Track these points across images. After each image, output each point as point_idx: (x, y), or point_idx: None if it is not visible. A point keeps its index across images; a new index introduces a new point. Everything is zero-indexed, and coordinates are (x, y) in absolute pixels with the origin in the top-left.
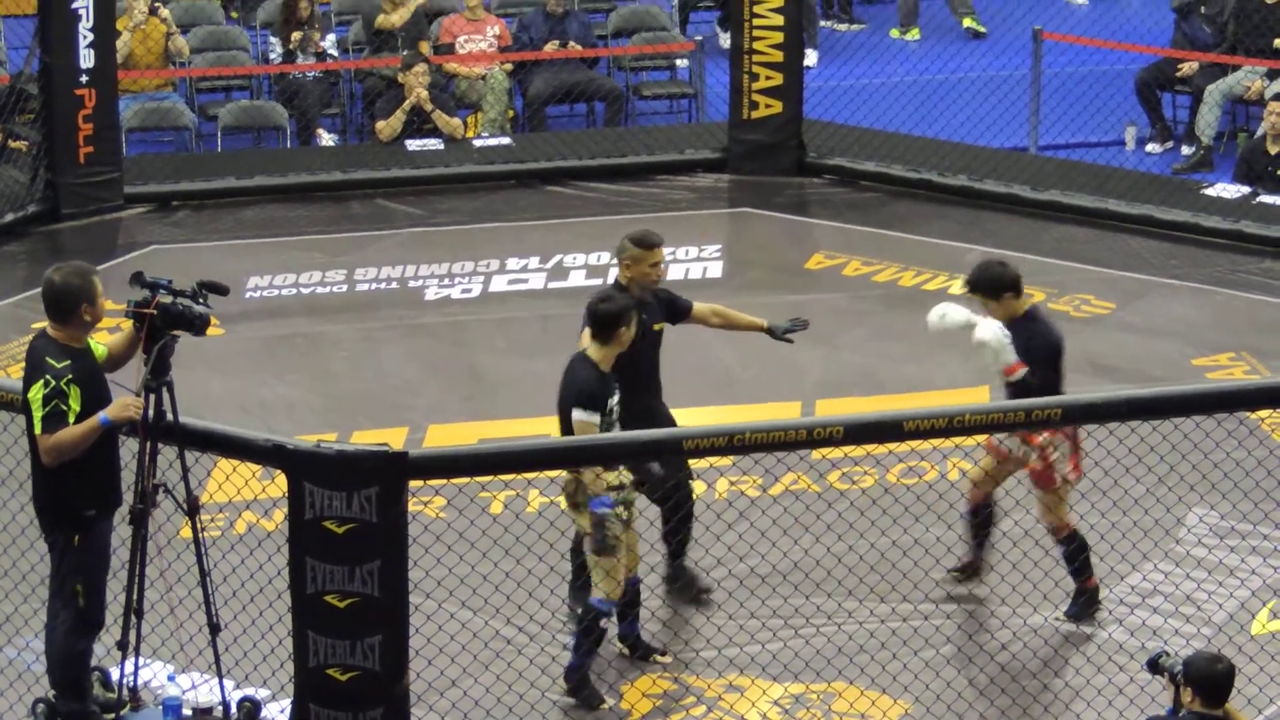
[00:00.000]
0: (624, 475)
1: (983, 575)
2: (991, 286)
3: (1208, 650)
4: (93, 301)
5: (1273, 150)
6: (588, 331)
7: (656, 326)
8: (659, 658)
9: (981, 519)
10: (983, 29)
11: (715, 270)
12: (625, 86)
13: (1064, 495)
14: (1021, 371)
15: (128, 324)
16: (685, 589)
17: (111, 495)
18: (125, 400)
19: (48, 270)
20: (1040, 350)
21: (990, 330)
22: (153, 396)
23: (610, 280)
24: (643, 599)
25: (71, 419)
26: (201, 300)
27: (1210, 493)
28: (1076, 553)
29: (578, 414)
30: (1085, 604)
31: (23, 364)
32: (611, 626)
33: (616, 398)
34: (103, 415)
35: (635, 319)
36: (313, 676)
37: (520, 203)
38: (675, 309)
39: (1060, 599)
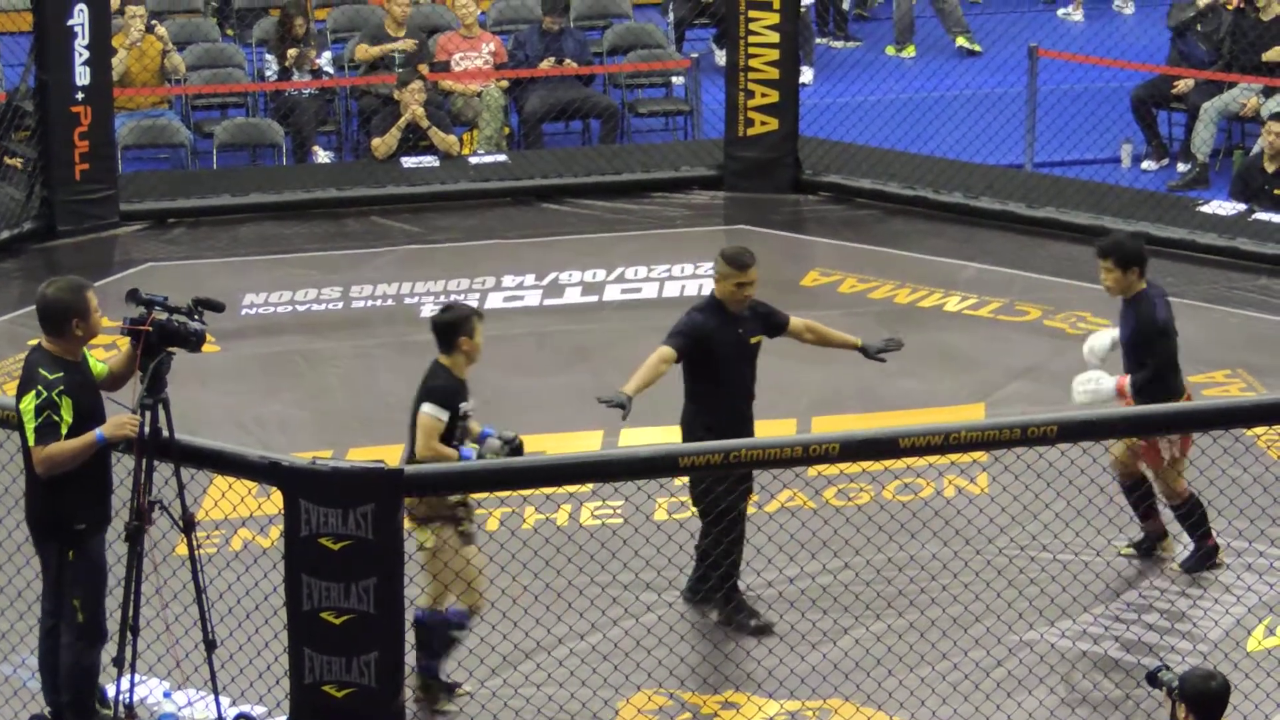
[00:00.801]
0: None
1: (1166, 540)
2: (1128, 255)
3: (1203, 667)
4: (84, 316)
5: (1270, 168)
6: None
7: (754, 340)
8: (460, 691)
9: (1140, 493)
10: (977, 47)
11: (710, 287)
12: (621, 103)
13: (1177, 469)
14: (1127, 382)
15: (124, 341)
16: (739, 617)
17: (103, 510)
18: (121, 418)
19: (42, 285)
20: (1149, 331)
21: (1082, 388)
22: (148, 413)
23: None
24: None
25: (64, 430)
26: (197, 317)
27: (1206, 509)
28: (1188, 516)
29: (426, 409)
30: (1202, 558)
31: (18, 379)
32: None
33: (471, 403)
34: (99, 432)
35: (477, 329)
36: (308, 693)
37: (516, 220)
38: (772, 323)
39: (1057, 614)
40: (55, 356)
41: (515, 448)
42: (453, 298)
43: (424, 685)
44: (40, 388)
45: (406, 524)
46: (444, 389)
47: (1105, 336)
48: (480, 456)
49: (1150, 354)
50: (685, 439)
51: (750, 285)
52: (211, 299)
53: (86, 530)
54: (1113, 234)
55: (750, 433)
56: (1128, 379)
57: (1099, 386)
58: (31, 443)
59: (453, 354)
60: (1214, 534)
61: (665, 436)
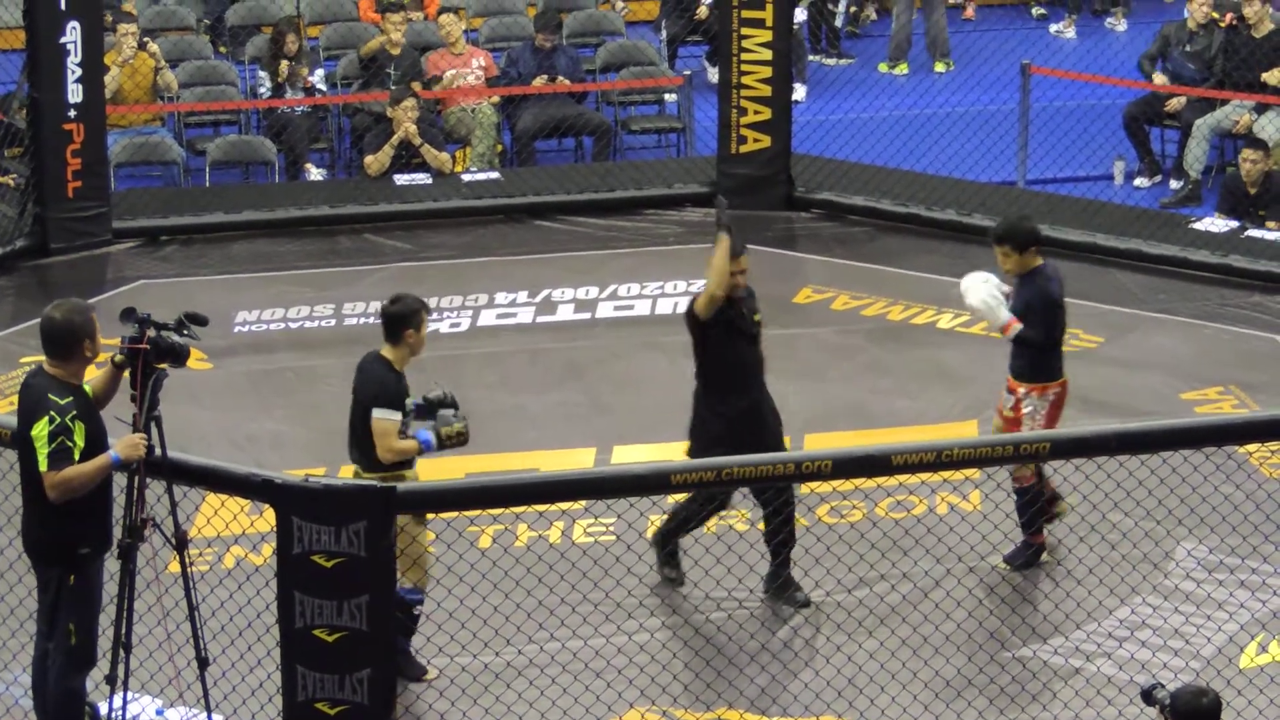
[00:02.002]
0: (413, 475)
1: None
2: (1021, 237)
3: (1196, 684)
4: (93, 338)
5: (1251, 191)
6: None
7: (756, 316)
8: (426, 677)
9: (1029, 496)
10: (950, 65)
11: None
12: (614, 121)
13: None
14: (1016, 328)
15: (103, 358)
16: (784, 594)
17: (106, 533)
18: (133, 438)
19: (46, 308)
20: (1039, 305)
21: (977, 296)
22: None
23: None
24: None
25: (76, 455)
26: (186, 332)
27: (1199, 527)
28: (1028, 506)
29: (379, 414)
30: (1031, 555)
31: (11, 398)
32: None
33: (410, 399)
34: (114, 454)
35: (424, 323)
36: (301, 711)
37: (509, 237)
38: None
39: (1049, 632)
40: (62, 381)
41: (452, 401)
42: (445, 315)
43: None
44: (53, 413)
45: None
46: (391, 391)
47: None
48: (440, 435)
49: (1040, 324)
50: (701, 428)
51: (742, 273)
52: (197, 313)
53: (89, 554)
54: (1003, 219)
55: (772, 420)
56: (1016, 326)
57: (997, 307)
58: (44, 469)
59: (397, 346)
60: (1045, 533)
61: (658, 454)
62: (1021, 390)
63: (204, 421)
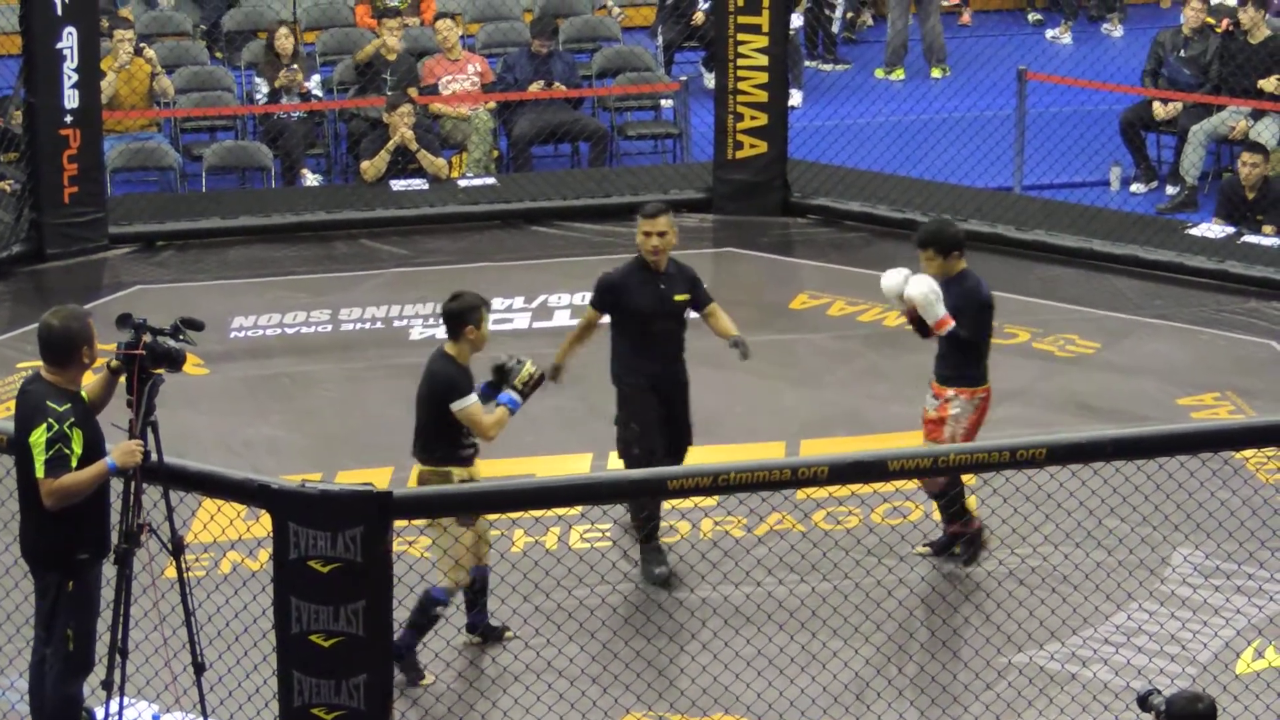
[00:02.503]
0: (470, 471)
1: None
2: (945, 242)
3: (1191, 689)
4: (91, 344)
5: (1250, 196)
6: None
7: (678, 297)
8: (507, 634)
9: (950, 497)
10: (946, 70)
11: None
12: (610, 126)
13: None
14: (950, 325)
15: (100, 363)
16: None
17: (104, 539)
18: (129, 445)
19: (44, 315)
20: (969, 305)
21: (919, 287)
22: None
23: None
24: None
25: (74, 463)
26: (182, 337)
27: (1195, 532)
28: (950, 504)
29: (458, 406)
30: (976, 547)
31: (7, 404)
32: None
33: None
34: (110, 461)
35: (484, 318)
36: (298, 716)
37: (505, 243)
38: (697, 294)
39: (1045, 637)
40: (60, 388)
41: (508, 359)
42: (442, 321)
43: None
44: (51, 420)
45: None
46: (461, 383)
47: (897, 280)
48: (518, 389)
49: (970, 325)
50: (619, 394)
51: (656, 235)
52: (193, 318)
53: (87, 560)
54: (926, 224)
55: (680, 391)
56: (951, 324)
57: (936, 302)
58: (41, 475)
59: (459, 342)
60: (974, 521)
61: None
62: (950, 393)
63: (200, 427)
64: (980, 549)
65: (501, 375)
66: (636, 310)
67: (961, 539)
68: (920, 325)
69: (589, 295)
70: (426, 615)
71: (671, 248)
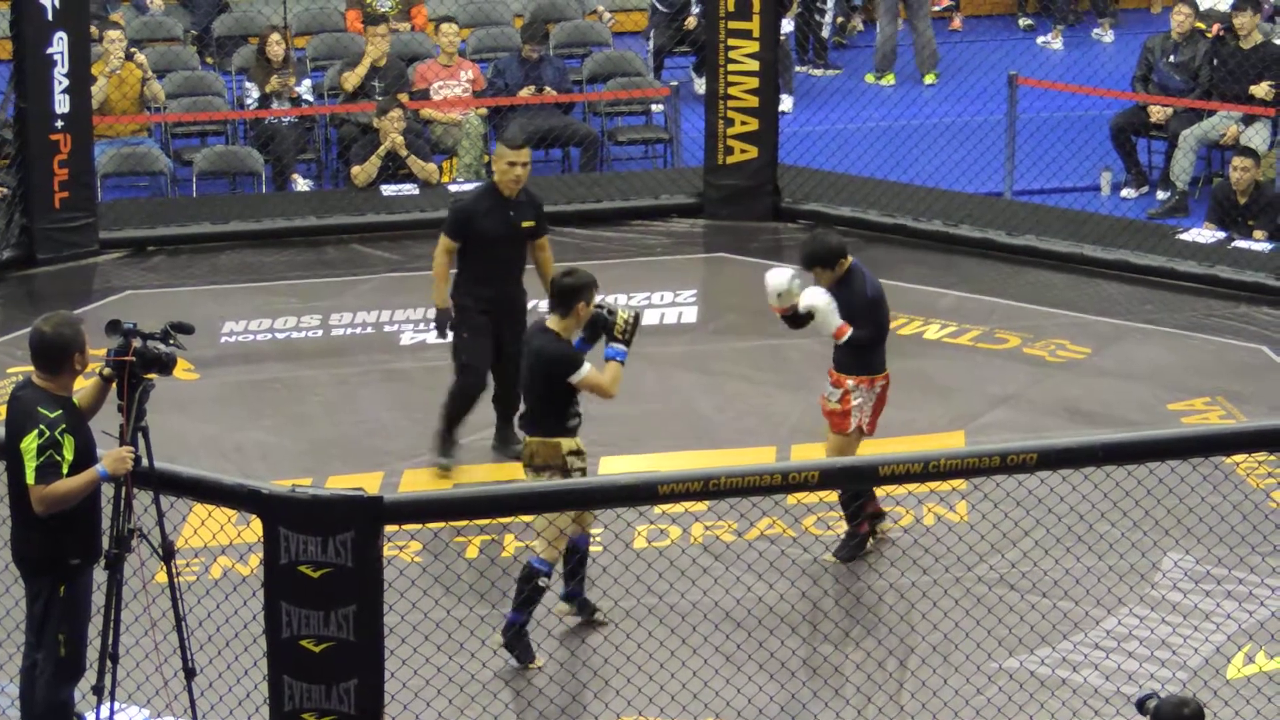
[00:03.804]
0: (577, 442)
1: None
2: (830, 257)
3: (1180, 694)
4: (82, 351)
5: (1241, 200)
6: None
7: (525, 223)
8: (598, 616)
9: (855, 497)
10: (935, 76)
11: (690, 315)
12: (600, 132)
13: (854, 443)
14: (849, 333)
15: (91, 368)
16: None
17: (95, 544)
18: (119, 452)
19: (36, 322)
20: (860, 305)
21: (819, 297)
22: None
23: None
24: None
25: (65, 469)
26: (172, 341)
27: (1186, 537)
28: (852, 499)
29: (577, 376)
30: (855, 546)
31: (6, 415)
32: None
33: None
34: (101, 468)
35: (594, 296)
36: None
37: None
38: (540, 221)
39: (1036, 642)
40: (52, 394)
41: (610, 312)
42: (432, 326)
43: (505, 630)
44: (43, 426)
45: (524, 472)
46: (573, 353)
47: (784, 279)
48: (619, 337)
49: (867, 323)
50: (456, 310)
51: (520, 165)
52: (183, 322)
53: (80, 565)
54: (805, 242)
55: (518, 314)
56: (849, 331)
57: (833, 313)
58: (32, 482)
59: (567, 317)
60: (866, 522)
61: (646, 465)
62: (850, 382)
63: (191, 432)
64: (860, 549)
65: (596, 328)
66: (485, 234)
67: (855, 537)
68: (793, 321)
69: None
70: (530, 588)
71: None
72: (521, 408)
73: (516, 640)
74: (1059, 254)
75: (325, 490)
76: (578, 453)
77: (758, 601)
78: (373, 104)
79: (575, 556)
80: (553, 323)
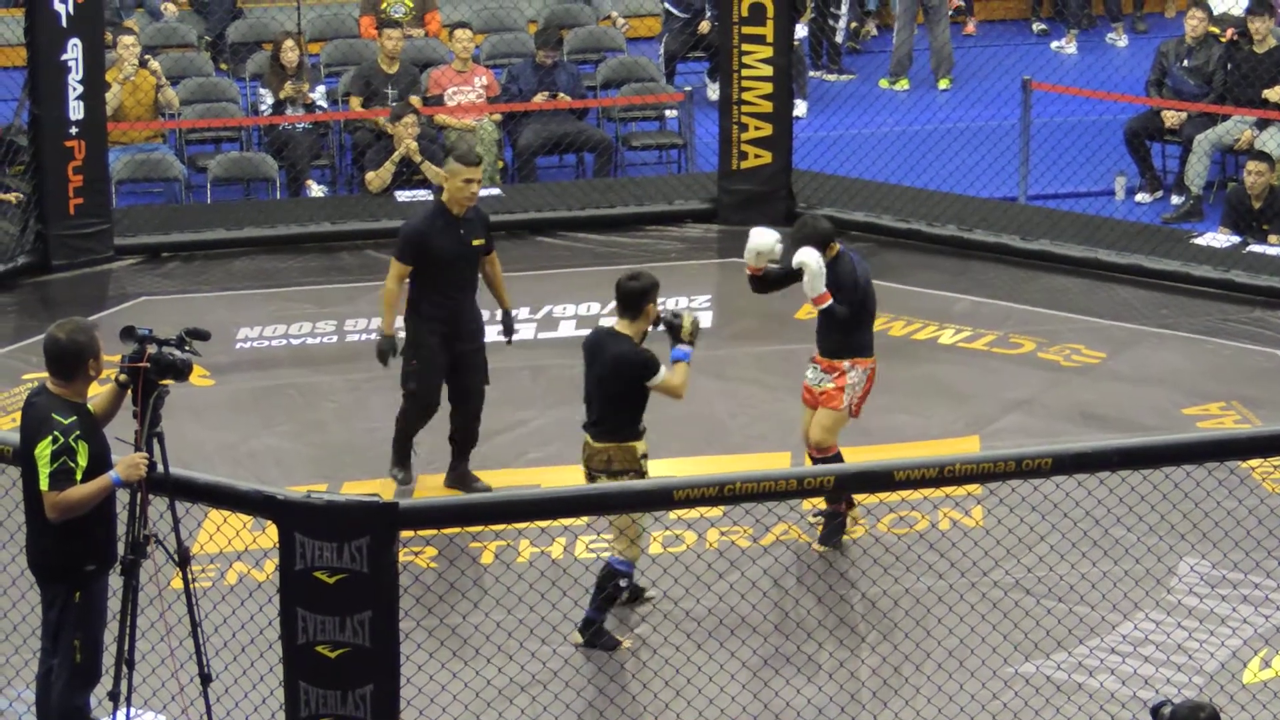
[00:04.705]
0: (646, 444)
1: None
2: (821, 240)
3: (1195, 699)
4: (97, 357)
5: (1256, 205)
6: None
7: (476, 241)
8: (648, 594)
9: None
10: (949, 81)
11: (705, 320)
12: (614, 137)
13: (842, 421)
14: (829, 301)
15: (107, 374)
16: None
17: (111, 550)
18: (133, 458)
19: (50, 328)
20: (847, 282)
21: (811, 256)
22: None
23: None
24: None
25: (79, 476)
26: (187, 347)
27: (1201, 542)
28: None
29: (655, 380)
30: (836, 529)
31: (13, 415)
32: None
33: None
34: (114, 475)
35: (658, 295)
36: None
37: (510, 253)
38: (488, 242)
39: (1052, 647)
40: (66, 400)
41: (676, 316)
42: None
43: (584, 628)
44: (57, 433)
45: (600, 476)
46: (648, 356)
47: (770, 240)
48: (685, 339)
49: (861, 300)
50: (409, 334)
51: (476, 183)
52: (199, 329)
53: (95, 571)
54: (796, 227)
55: (474, 333)
56: (830, 300)
57: (820, 279)
58: (45, 488)
59: (636, 320)
60: (844, 503)
61: (660, 470)
62: (845, 363)
63: (206, 438)
64: (841, 531)
65: (668, 330)
66: (440, 255)
67: (835, 518)
68: (761, 283)
69: (594, 306)
70: (611, 587)
71: None
72: (588, 415)
73: (596, 638)
74: (1073, 259)
75: (340, 496)
76: (646, 455)
77: (773, 607)
78: (387, 110)
79: (615, 586)
80: (622, 326)
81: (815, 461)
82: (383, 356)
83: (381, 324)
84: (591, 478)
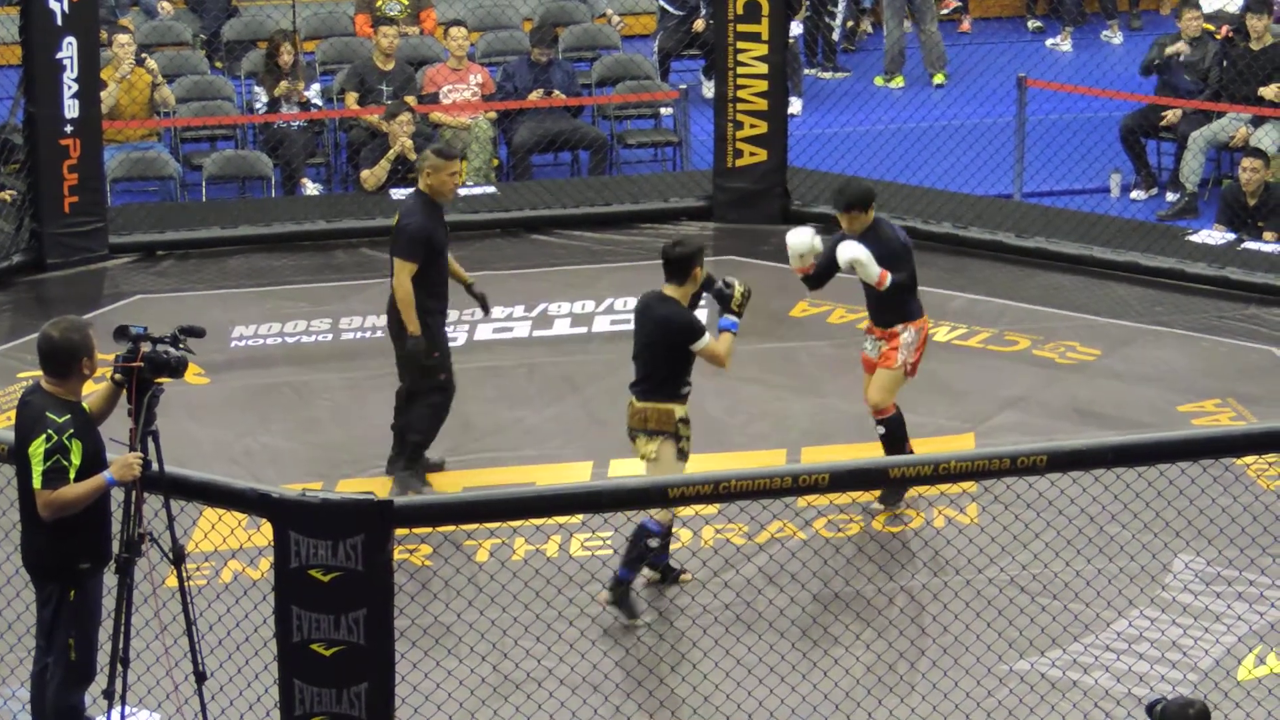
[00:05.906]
0: (686, 410)
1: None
2: (867, 199)
3: (1186, 696)
4: (91, 355)
5: (1251, 202)
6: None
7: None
8: (684, 577)
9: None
10: (944, 76)
11: (700, 316)
12: (610, 135)
13: (899, 381)
14: (889, 279)
15: (102, 373)
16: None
17: (105, 548)
18: (127, 458)
19: (45, 326)
20: (895, 248)
21: (857, 250)
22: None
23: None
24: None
25: (72, 474)
26: (182, 345)
27: (1196, 539)
28: (889, 438)
29: (699, 344)
30: (895, 491)
31: (8, 413)
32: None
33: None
34: (108, 475)
35: (703, 258)
36: None
37: (505, 251)
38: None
39: (1047, 644)
40: (60, 398)
41: (727, 285)
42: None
43: (614, 587)
44: (50, 431)
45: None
46: (695, 320)
47: (807, 239)
48: (733, 310)
49: (898, 267)
50: (426, 326)
51: (459, 175)
52: (193, 326)
53: (89, 569)
54: (842, 188)
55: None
56: (889, 278)
57: (871, 264)
58: (38, 486)
59: (684, 284)
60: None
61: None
62: (899, 327)
63: (201, 436)
64: (901, 495)
65: (718, 300)
66: (439, 248)
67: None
68: (814, 280)
69: (588, 304)
70: (640, 548)
71: None
72: (636, 375)
73: (624, 598)
74: (1069, 256)
75: (335, 494)
76: (686, 421)
77: (768, 604)
78: (382, 108)
79: (644, 545)
80: (670, 290)
81: (879, 423)
82: (422, 356)
83: (411, 328)
84: (632, 437)
